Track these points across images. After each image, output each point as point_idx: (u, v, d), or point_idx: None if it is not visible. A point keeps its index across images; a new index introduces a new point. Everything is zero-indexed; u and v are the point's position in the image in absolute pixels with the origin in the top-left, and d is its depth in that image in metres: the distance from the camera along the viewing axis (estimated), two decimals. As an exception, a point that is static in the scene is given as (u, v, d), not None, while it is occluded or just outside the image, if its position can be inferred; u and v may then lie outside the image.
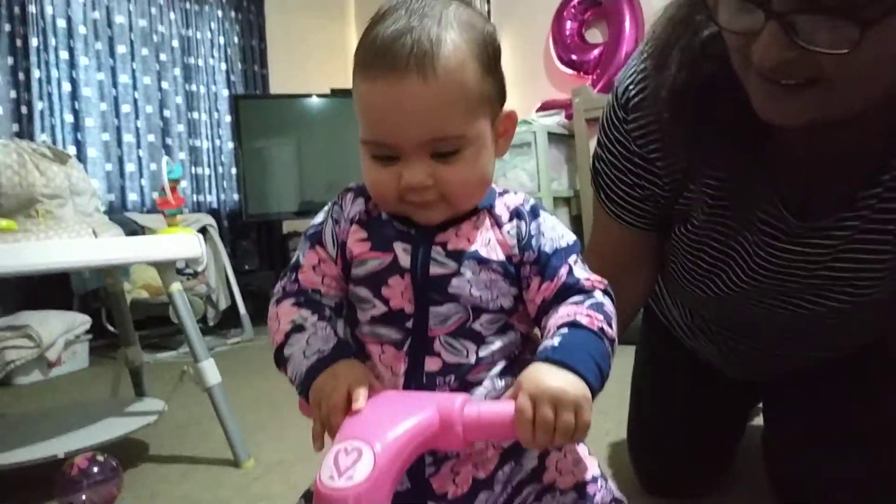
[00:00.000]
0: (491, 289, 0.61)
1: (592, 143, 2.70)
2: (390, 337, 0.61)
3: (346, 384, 0.54)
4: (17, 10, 3.35)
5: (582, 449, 0.64)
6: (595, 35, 3.58)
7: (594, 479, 0.62)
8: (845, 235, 0.72)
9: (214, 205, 4.08)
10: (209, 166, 4.10)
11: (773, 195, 0.72)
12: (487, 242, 0.61)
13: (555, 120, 2.75)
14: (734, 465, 1.18)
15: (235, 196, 4.14)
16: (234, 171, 4.16)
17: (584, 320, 0.56)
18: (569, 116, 2.71)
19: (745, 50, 0.60)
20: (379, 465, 0.45)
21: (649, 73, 0.75)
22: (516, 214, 0.63)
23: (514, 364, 0.62)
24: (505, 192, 0.66)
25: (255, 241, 4.15)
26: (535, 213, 0.64)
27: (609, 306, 0.60)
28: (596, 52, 3.49)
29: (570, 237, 0.64)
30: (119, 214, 3.38)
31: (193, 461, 1.56)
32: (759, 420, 1.25)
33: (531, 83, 3.74)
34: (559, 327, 0.56)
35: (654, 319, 1.14)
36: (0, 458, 1.36)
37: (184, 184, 3.91)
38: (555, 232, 0.63)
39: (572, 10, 3.56)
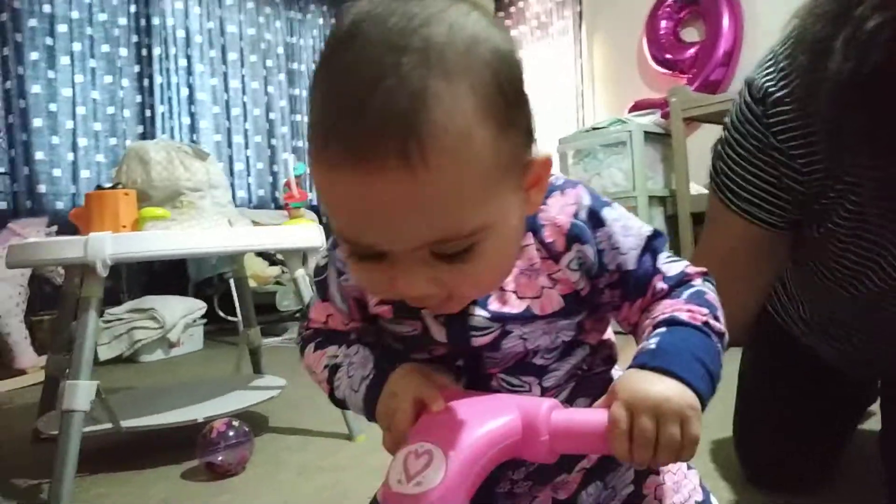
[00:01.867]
0: (549, 334, 0.51)
1: (690, 143, 2.68)
2: (441, 373, 0.51)
3: (409, 399, 0.46)
4: (143, 22, 3.67)
5: (682, 466, 0.58)
6: (691, 34, 3.54)
7: None
8: None
9: (315, 202, 4.30)
10: (305, 186, 4.34)
11: None
12: (540, 292, 0.49)
13: (650, 119, 2.75)
14: (844, 464, 1.18)
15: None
16: (331, 170, 4.38)
17: (685, 315, 0.47)
18: (664, 115, 2.71)
19: None
20: (451, 472, 0.40)
21: (802, 68, 0.72)
22: (575, 238, 0.49)
23: (584, 382, 0.54)
24: (548, 194, 0.50)
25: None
26: (596, 220, 0.50)
27: (712, 295, 0.50)
28: (692, 50, 3.46)
29: (647, 229, 0.51)
30: (230, 209, 3.64)
31: (311, 433, 1.70)
32: (870, 423, 1.25)
33: (624, 82, 3.75)
34: (656, 326, 0.47)
35: (766, 316, 1.12)
36: (148, 419, 1.54)
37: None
38: (629, 236, 0.50)
39: (667, 9, 3.54)
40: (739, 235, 0.83)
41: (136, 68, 3.67)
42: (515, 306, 0.49)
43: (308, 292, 1.64)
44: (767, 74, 0.77)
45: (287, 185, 1.71)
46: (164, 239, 1.34)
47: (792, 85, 0.74)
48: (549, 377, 0.52)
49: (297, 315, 3.50)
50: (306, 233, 1.60)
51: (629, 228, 0.50)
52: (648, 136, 2.69)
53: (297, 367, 1.71)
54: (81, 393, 1.26)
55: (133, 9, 3.63)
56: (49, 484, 1.24)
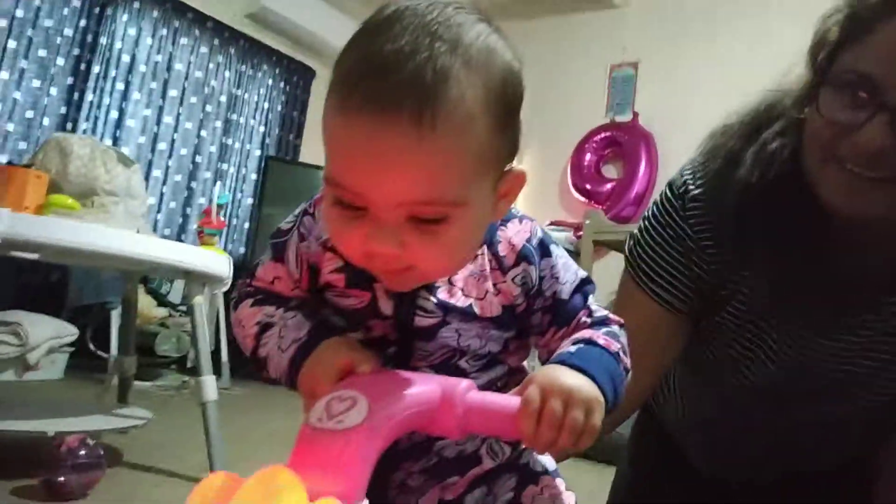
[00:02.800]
0: (481, 338, 0.55)
1: (596, 266, 2.81)
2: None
3: (336, 367, 0.48)
4: (89, 38, 3.61)
5: (560, 483, 0.61)
6: (610, 171, 3.86)
7: None
8: (869, 335, 0.77)
9: (224, 239, 4.18)
10: (224, 216, 4.24)
11: (817, 292, 0.76)
12: (484, 295, 0.54)
13: (564, 236, 2.92)
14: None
15: (242, 249, 4.25)
16: (246, 225, 4.30)
17: (601, 341, 0.53)
18: (578, 236, 2.89)
19: (833, 143, 0.67)
20: (373, 415, 0.41)
21: (715, 173, 0.82)
22: (524, 258, 0.55)
23: None
24: (507, 219, 0.56)
25: (250, 295, 4.20)
26: (544, 250, 0.56)
27: (625, 339, 0.56)
28: (609, 185, 3.76)
29: (582, 273, 0.58)
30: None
31: (170, 474, 1.57)
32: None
33: (545, 202, 3.98)
34: (575, 342, 0.53)
35: (646, 417, 1.16)
36: (-11, 425, 1.38)
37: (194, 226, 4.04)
38: (568, 272, 0.56)
39: (594, 145, 3.86)
40: (646, 315, 0.88)
41: (69, 80, 3.55)
42: (460, 301, 0.54)
43: (201, 319, 1.57)
44: (687, 175, 0.87)
45: (207, 211, 1.67)
46: (68, 228, 1.27)
47: (706, 186, 0.83)
48: None
49: (173, 364, 3.30)
50: (216, 260, 1.56)
51: (569, 266, 0.57)
52: (560, 250, 2.87)
53: (164, 410, 1.63)
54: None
55: (83, 23, 3.57)
56: None
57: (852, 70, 0.66)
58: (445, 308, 0.53)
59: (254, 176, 4.37)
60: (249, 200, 4.34)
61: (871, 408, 0.85)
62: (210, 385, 1.55)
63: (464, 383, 0.48)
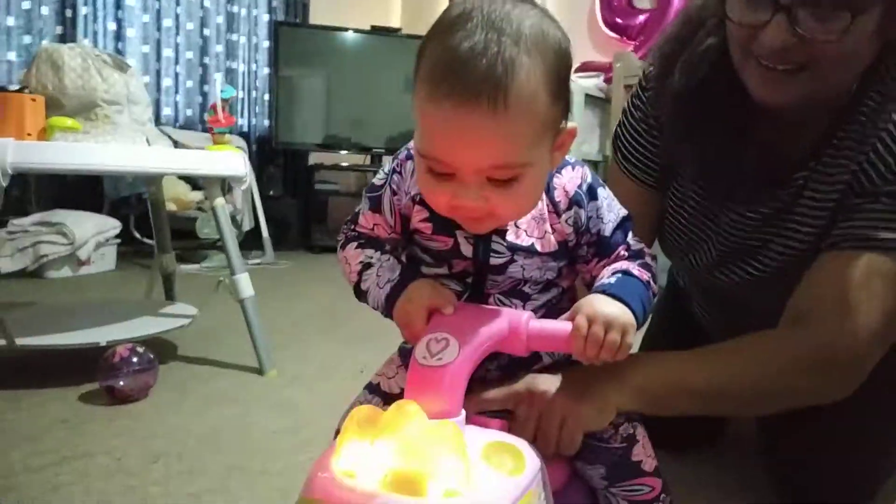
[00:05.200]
0: (541, 269, 0.67)
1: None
2: (450, 287, 0.67)
3: (424, 307, 0.62)
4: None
5: None
6: (643, 0, 3.54)
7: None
8: (779, 206, 0.85)
9: (245, 128, 4.14)
10: (243, 89, 4.14)
11: (740, 170, 0.86)
12: (543, 235, 0.66)
13: (594, 82, 2.76)
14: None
15: (266, 122, 4.19)
16: (266, 96, 4.20)
17: (635, 272, 0.66)
18: (608, 80, 2.72)
19: (747, 43, 0.74)
20: (463, 352, 0.56)
21: (655, 77, 0.91)
22: (575, 202, 0.66)
23: (552, 311, 0.69)
24: (562, 167, 0.66)
25: (281, 168, 4.22)
26: (592, 194, 0.66)
27: (655, 268, 0.69)
28: (642, 17, 3.47)
29: (623, 211, 0.69)
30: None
31: (220, 365, 1.68)
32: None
33: (573, 42, 3.72)
34: (614, 273, 0.65)
35: (673, 283, 1.24)
36: (47, 339, 1.48)
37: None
38: (611, 212, 0.67)
39: (623, -28, 3.52)
40: (625, 192, 0.95)
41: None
42: (525, 241, 0.65)
43: (226, 222, 1.59)
44: (652, 55, 0.95)
45: (213, 108, 1.62)
46: (72, 152, 1.26)
47: (650, 89, 0.93)
48: (531, 303, 0.67)
49: (218, 244, 3.41)
50: (229, 160, 1.54)
51: (612, 207, 0.68)
52: (589, 99, 2.72)
53: (212, 296, 1.69)
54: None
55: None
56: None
57: None
58: (513, 248, 0.65)
59: (266, 43, 4.20)
60: (266, 70, 4.20)
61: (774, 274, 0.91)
62: (245, 283, 1.60)
63: (525, 315, 0.61)
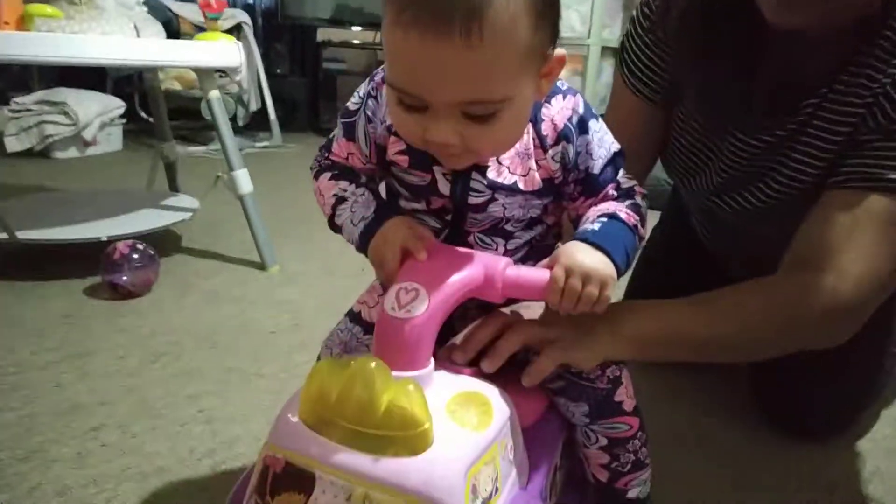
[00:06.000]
0: (524, 207, 0.63)
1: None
2: (428, 224, 0.63)
3: (398, 246, 0.58)
4: None
5: None
6: None
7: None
8: (784, 135, 0.81)
9: (250, 0, 3.93)
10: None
11: (745, 97, 0.83)
12: (527, 172, 0.61)
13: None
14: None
15: (271, -5, 3.98)
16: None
17: (623, 215, 0.61)
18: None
19: None
20: (432, 304, 0.54)
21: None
22: (563, 137, 0.60)
23: (535, 249, 0.66)
24: (552, 94, 0.60)
25: (288, 44, 4.05)
26: (583, 127, 0.60)
27: (644, 209, 0.64)
28: None
29: (615, 146, 0.63)
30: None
31: (223, 258, 1.69)
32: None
33: None
34: (600, 216, 0.61)
35: (675, 198, 1.22)
36: (48, 233, 1.49)
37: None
38: (602, 147, 0.62)
39: None
40: (628, 107, 0.95)
41: None
42: (507, 179, 0.61)
43: (221, 115, 1.54)
44: None
45: (203, -10, 1.52)
46: (52, 43, 1.19)
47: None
48: (513, 241, 0.64)
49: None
50: (223, 50, 1.46)
51: (603, 142, 0.62)
52: (613, -22, 2.52)
53: (216, 184, 1.67)
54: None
55: None
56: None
57: None
58: (494, 186, 0.60)
59: None
60: (270, -65, 3.92)
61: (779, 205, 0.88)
62: (244, 179, 1.58)
63: (502, 262, 0.57)
